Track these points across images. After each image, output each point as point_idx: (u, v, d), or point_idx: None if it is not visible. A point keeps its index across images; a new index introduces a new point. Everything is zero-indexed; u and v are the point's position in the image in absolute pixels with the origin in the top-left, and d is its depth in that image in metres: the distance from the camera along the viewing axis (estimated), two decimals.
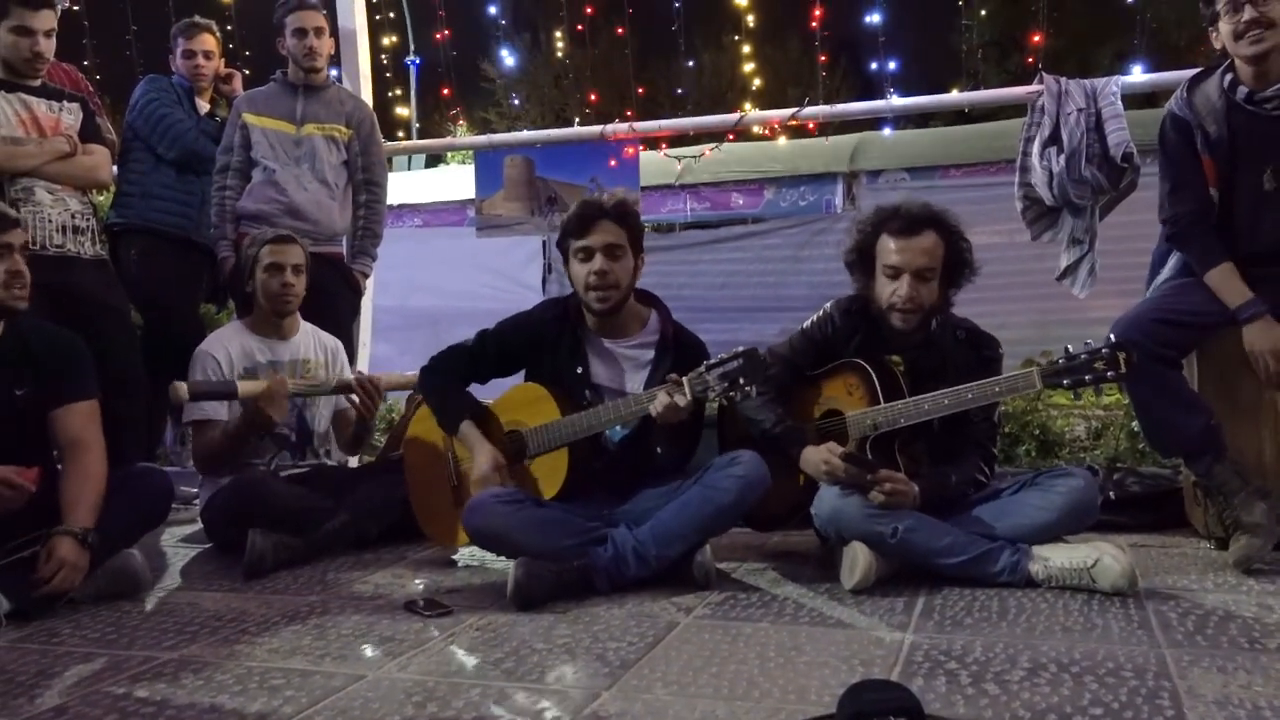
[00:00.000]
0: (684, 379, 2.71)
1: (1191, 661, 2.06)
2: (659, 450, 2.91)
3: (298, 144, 4.14)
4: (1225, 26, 2.90)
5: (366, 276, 4.36)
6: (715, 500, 2.76)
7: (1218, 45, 2.97)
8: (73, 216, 3.66)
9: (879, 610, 2.49)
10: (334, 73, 4.79)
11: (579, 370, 2.99)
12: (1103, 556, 2.55)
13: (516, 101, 18.86)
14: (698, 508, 2.76)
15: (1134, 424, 3.78)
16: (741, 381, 2.65)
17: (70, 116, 3.71)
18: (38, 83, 3.68)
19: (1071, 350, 2.63)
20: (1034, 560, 2.63)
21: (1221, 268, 2.93)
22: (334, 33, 4.35)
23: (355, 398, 3.48)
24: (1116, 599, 2.50)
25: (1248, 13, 2.84)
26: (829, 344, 2.99)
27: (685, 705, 1.90)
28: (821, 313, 3.03)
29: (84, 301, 3.65)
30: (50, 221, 3.58)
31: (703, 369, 2.70)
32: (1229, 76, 2.97)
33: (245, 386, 3.31)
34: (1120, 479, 3.47)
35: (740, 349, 2.68)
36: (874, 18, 7.71)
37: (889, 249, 2.84)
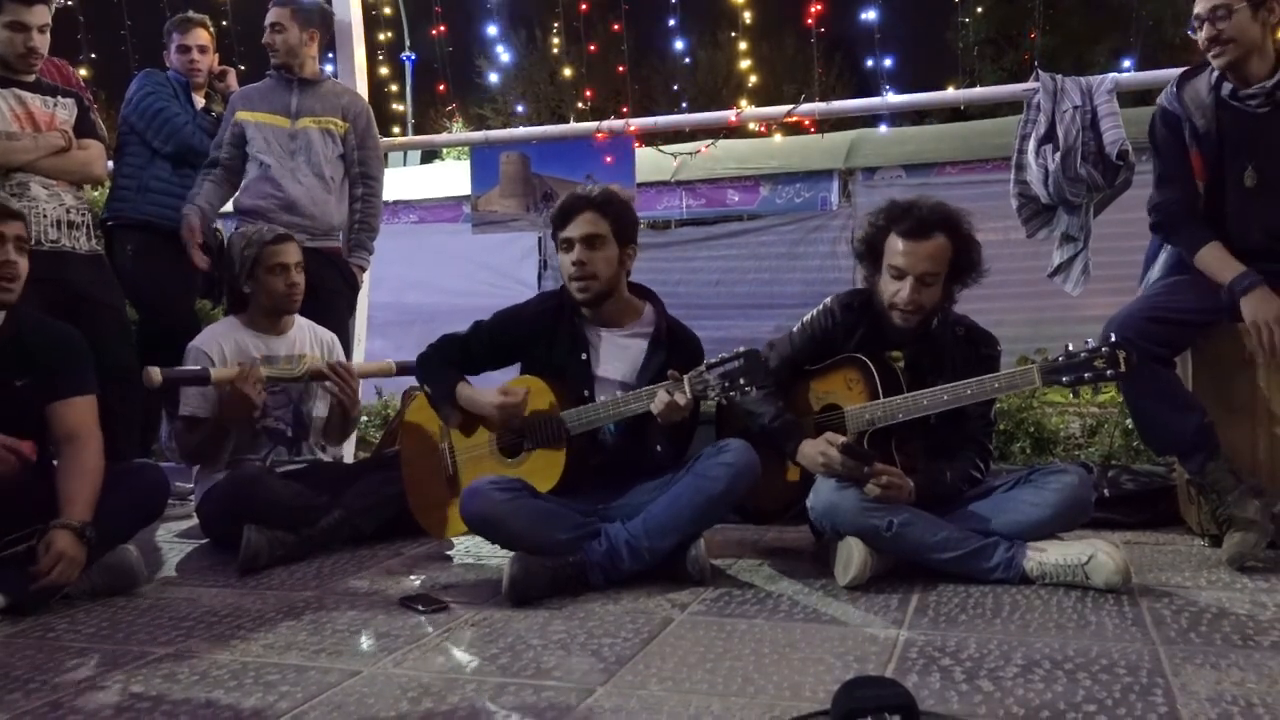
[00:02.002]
0: (684, 377, 2.71)
1: (1185, 658, 2.07)
2: (658, 448, 2.91)
3: (292, 137, 4.14)
4: (1200, 38, 2.95)
5: (363, 270, 4.36)
6: (706, 490, 2.76)
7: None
8: (68, 211, 3.66)
9: (873, 607, 2.49)
10: (330, 68, 4.80)
11: (583, 357, 3.00)
12: (1097, 553, 2.55)
13: (521, 109, 18.84)
14: (689, 498, 2.77)
15: (1128, 422, 3.78)
16: (742, 382, 2.66)
17: (65, 112, 3.71)
18: (32, 78, 3.67)
19: (1071, 348, 2.63)
20: (1028, 557, 2.63)
21: (1210, 247, 2.95)
22: (328, 28, 4.34)
23: (331, 384, 3.49)
24: (1110, 596, 2.51)
25: (1207, 30, 2.91)
26: (829, 338, 2.99)
27: (680, 701, 1.90)
28: (822, 307, 3.03)
29: (78, 296, 3.65)
30: (45, 216, 3.59)
31: (703, 368, 2.71)
32: (1217, 73, 2.99)
33: (218, 372, 3.31)
34: (1114, 476, 3.48)
35: (741, 349, 2.68)
36: (870, 15, 7.71)
37: (896, 249, 2.83)
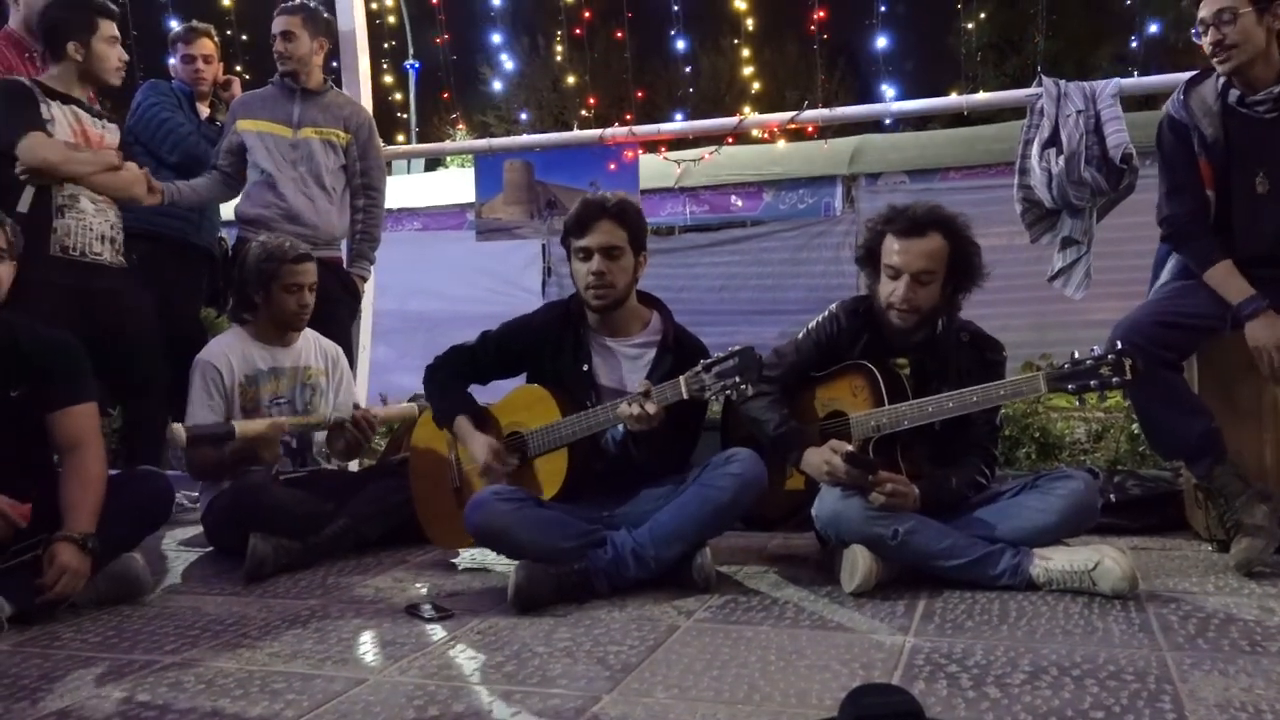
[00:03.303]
0: (680, 378, 2.72)
1: (1193, 664, 2.06)
2: (645, 455, 2.88)
3: (294, 147, 4.15)
4: (1205, 43, 2.94)
5: (364, 280, 4.37)
6: (712, 500, 2.76)
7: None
8: (110, 228, 3.73)
9: (880, 614, 2.49)
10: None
11: (584, 368, 3.00)
12: (1103, 559, 2.55)
13: (525, 117, 18.88)
14: (695, 508, 2.76)
15: (1134, 426, 3.78)
16: (737, 380, 2.66)
17: (111, 135, 3.83)
18: (85, 98, 3.79)
19: (1077, 355, 2.62)
20: (1035, 563, 2.62)
21: (1220, 265, 2.93)
22: (333, 36, 4.35)
23: (350, 433, 3.49)
24: (1117, 602, 2.51)
25: (1212, 35, 2.89)
26: (834, 345, 2.99)
27: (686, 709, 1.90)
28: (827, 313, 3.03)
29: (113, 307, 3.70)
30: (91, 230, 3.65)
31: (699, 368, 2.71)
32: (1223, 80, 2.98)
33: (243, 427, 3.30)
34: (1121, 481, 3.47)
35: (736, 347, 2.69)
36: (873, 21, 7.72)
37: (892, 249, 2.84)
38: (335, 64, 4.90)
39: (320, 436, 3.64)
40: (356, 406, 3.63)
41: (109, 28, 3.69)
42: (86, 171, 3.63)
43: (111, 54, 3.70)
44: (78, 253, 3.59)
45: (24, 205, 3.47)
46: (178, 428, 3.23)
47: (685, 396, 2.71)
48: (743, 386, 2.68)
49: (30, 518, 2.62)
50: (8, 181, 3.50)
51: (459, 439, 3.05)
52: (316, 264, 3.65)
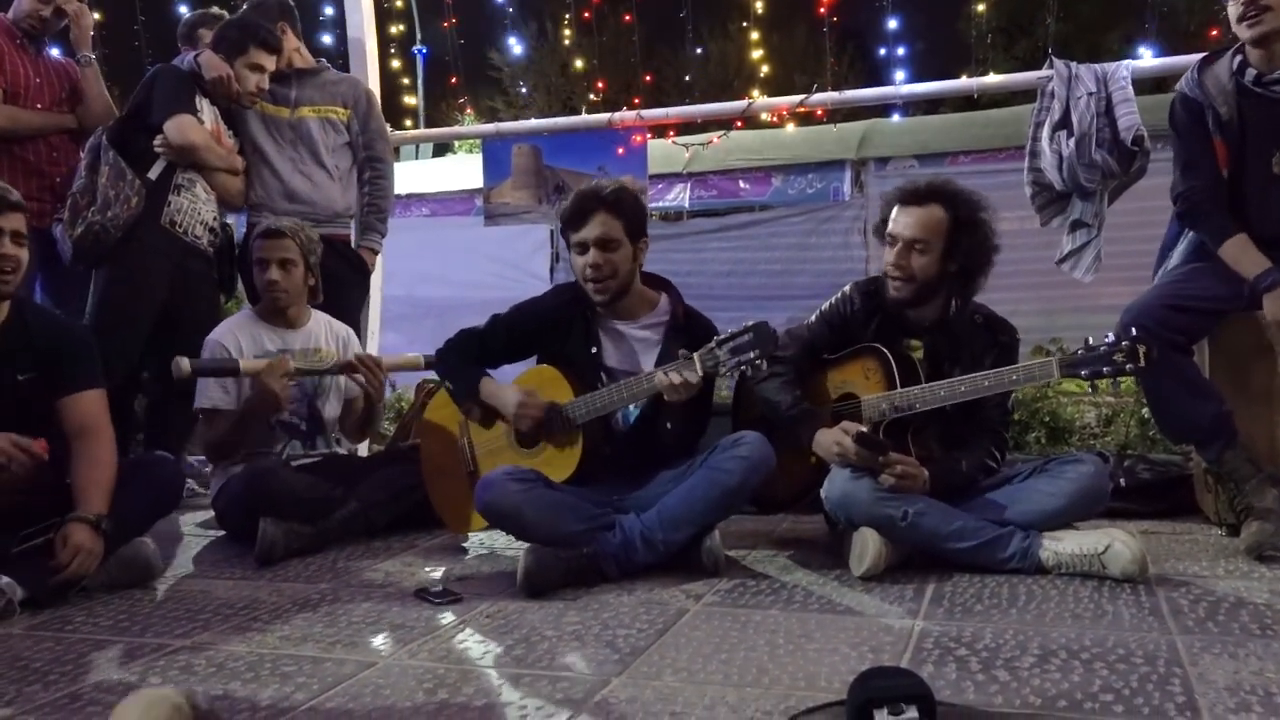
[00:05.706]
0: (694, 355, 2.71)
1: (1203, 648, 2.06)
2: (668, 425, 2.89)
3: (292, 127, 4.18)
4: (1231, 9, 2.90)
5: (376, 253, 4.36)
6: (721, 482, 2.76)
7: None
8: (212, 218, 4.04)
9: (889, 597, 2.49)
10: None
11: (593, 351, 3.00)
12: (1113, 543, 2.54)
13: (524, 90, 18.84)
14: (704, 491, 2.77)
15: (1144, 411, 3.77)
16: (752, 355, 2.65)
17: (234, 144, 4.12)
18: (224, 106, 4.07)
19: (1091, 342, 2.61)
20: (1044, 546, 2.62)
21: (1236, 239, 2.91)
22: (289, 15, 4.34)
23: (360, 376, 3.49)
24: (1127, 585, 2.50)
25: None
26: (848, 326, 2.98)
27: (695, 692, 1.90)
28: (841, 294, 3.02)
29: (197, 288, 4.00)
30: (198, 214, 3.96)
31: (713, 344, 2.70)
32: (1238, 59, 2.96)
33: (247, 364, 3.35)
34: (1131, 466, 3.46)
35: (750, 322, 2.68)
36: (882, 4, 7.69)
37: (893, 217, 2.88)
38: (343, 48, 4.91)
39: (333, 418, 3.63)
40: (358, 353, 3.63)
41: (258, 56, 4.00)
42: (216, 165, 3.99)
43: (249, 79, 4.00)
44: (182, 230, 3.91)
45: (154, 173, 3.83)
46: (182, 360, 3.27)
47: (700, 373, 2.71)
48: (758, 362, 2.66)
49: (46, 449, 2.65)
50: (144, 151, 3.84)
51: (488, 397, 3.01)
52: (310, 243, 3.65)
